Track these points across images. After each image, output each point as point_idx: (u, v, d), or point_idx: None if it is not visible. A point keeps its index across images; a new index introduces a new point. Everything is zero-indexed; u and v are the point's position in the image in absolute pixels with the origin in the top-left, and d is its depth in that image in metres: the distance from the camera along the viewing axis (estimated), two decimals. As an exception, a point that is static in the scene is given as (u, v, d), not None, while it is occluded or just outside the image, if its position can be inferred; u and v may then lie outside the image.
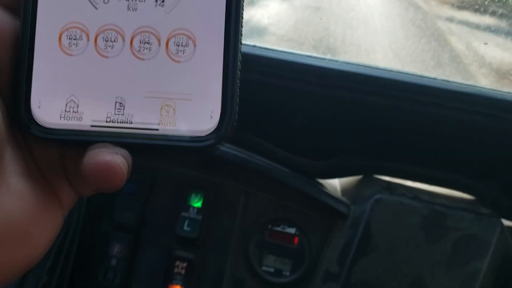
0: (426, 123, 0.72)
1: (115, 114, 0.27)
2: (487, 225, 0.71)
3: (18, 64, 0.26)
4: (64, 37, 0.27)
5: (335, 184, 0.82)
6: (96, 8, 0.27)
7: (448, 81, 0.70)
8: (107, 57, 0.27)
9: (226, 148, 0.73)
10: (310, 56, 0.71)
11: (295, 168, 0.77)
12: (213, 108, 0.27)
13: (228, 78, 0.27)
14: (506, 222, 0.73)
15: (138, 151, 0.28)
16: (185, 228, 0.72)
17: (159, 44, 0.27)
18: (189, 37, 0.27)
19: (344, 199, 0.75)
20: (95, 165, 0.24)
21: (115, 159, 0.25)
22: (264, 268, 0.73)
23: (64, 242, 0.69)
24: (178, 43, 0.27)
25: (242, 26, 0.28)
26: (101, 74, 0.27)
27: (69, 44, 0.27)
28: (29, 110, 0.26)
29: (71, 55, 0.27)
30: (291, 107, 0.75)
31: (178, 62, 0.27)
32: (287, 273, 0.73)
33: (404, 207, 0.71)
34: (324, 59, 0.71)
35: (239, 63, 0.27)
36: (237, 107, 0.27)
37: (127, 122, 0.27)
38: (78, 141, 0.26)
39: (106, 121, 0.27)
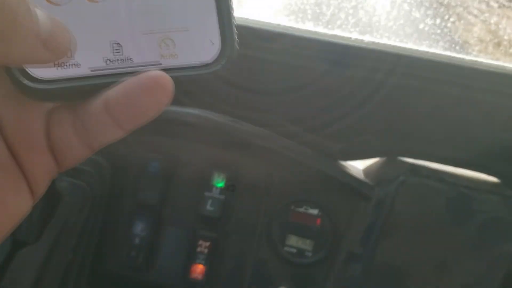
0: (452, 104, 0.71)
1: (113, 55, 0.26)
2: (513, 208, 0.70)
3: None
4: None
5: (358, 166, 0.81)
6: None
7: (475, 61, 0.69)
8: (97, 1, 0.26)
9: (250, 128, 0.72)
10: (336, 35, 0.70)
11: (318, 149, 0.76)
12: (212, 36, 0.27)
13: (222, 5, 0.27)
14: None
15: None
16: (208, 207, 0.72)
17: None
18: None
19: (367, 180, 0.74)
20: (141, 80, 0.24)
21: (162, 72, 0.24)
22: (286, 248, 0.73)
23: (89, 221, 0.69)
24: None
25: None
26: (92, 20, 0.26)
27: None
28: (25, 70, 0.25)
29: (58, 4, 0.26)
30: (312, 87, 0.74)
31: None
32: (310, 254, 0.72)
33: (429, 189, 0.70)
34: (349, 38, 0.70)
35: None
36: (236, 33, 0.27)
37: (128, 61, 0.26)
38: (83, 86, 0.25)
39: (106, 64, 0.26)
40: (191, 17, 0.27)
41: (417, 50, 0.69)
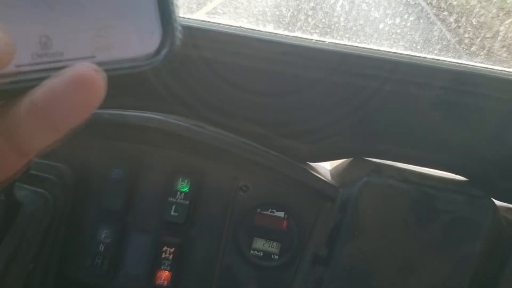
0: (416, 104, 0.71)
1: (42, 50, 0.24)
2: (479, 207, 0.69)
3: None
4: None
5: (325, 167, 0.80)
6: None
7: (437, 59, 0.68)
8: None
9: (214, 133, 0.72)
10: (297, 37, 0.70)
11: (285, 151, 0.75)
12: (152, 24, 0.25)
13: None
14: (499, 203, 0.71)
15: None
16: (172, 213, 0.72)
17: None
18: None
19: (332, 182, 0.74)
20: (69, 77, 0.21)
21: (92, 68, 0.22)
22: (253, 252, 0.72)
23: (50, 229, 0.68)
24: None
25: None
26: (20, 11, 0.24)
27: None
28: None
29: None
30: (280, 90, 0.73)
31: None
32: (276, 257, 0.72)
33: (393, 189, 0.69)
34: (311, 39, 0.69)
35: None
36: (178, 19, 0.25)
37: (57, 56, 0.24)
38: (6, 85, 0.23)
39: (33, 59, 0.24)
40: (128, 4, 0.25)
41: (378, 51, 0.68)
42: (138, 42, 0.25)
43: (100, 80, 0.22)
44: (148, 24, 0.25)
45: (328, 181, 0.73)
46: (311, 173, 0.73)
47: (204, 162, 0.74)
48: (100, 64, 0.23)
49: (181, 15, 0.27)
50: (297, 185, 0.72)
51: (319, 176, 0.73)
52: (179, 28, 0.25)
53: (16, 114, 0.22)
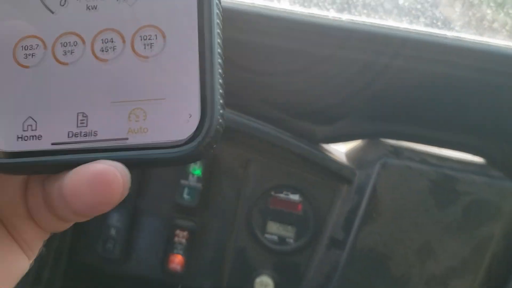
0: (435, 83, 0.69)
1: (77, 128, 0.23)
2: (498, 189, 0.68)
3: None
4: (19, 48, 0.24)
5: (340, 149, 0.79)
6: (53, 13, 0.24)
7: (459, 38, 0.66)
8: (67, 64, 0.24)
9: (227, 113, 0.70)
10: (313, 14, 0.67)
11: (298, 133, 0.74)
12: (191, 109, 0.23)
13: (206, 73, 0.23)
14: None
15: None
16: (185, 196, 0.70)
17: (124, 41, 0.24)
18: (157, 29, 0.24)
19: (349, 164, 0.72)
20: (85, 176, 0.21)
21: (109, 166, 0.21)
22: (267, 236, 0.71)
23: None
24: (144, 37, 0.24)
25: (220, 9, 0.24)
26: (60, 85, 0.24)
27: (24, 55, 0.24)
28: None
29: (27, 67, 0.24)
30: (293, 70, 0.72)
31: (146, 58, 0.23)
32: (291, 241, 0.71)
33: (411, 171, 0.68)
34: (327, 16, 0.67)
35: (219, 54, 0.23)
36: (222, 105, 0.23)
37: (92, 135, 0.23)
38: (38, 163, 0.23)
39: (68, 137, 0.23)
40: (168, 85, 0.23)
41: (398, 28, 0.66)
42: (173, 126, 0.23)
43: (117, 180, 0.21)
44: (187, 106, 0.23)
45: (344, 162, 0.72)
46: (327, 154, 0.71)
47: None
48: (132, 146, 0.23)
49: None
50: (312, 167, 0.70)
51: (335, 157, 0.71)
52: (221, 109, 0.23)
53: (50, 192, 0.23)
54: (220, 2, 0.24)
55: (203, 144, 0.22)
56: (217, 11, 0.24)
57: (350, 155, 0.75)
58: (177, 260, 0.70)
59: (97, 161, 0.22)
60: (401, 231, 0.68)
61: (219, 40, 0.24)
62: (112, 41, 0.24)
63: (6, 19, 0.25)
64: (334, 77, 0.71)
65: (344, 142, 0.79)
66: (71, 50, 0.24)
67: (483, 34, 0.63)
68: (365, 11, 0.64)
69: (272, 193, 0.71)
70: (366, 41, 0.67)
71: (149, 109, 0.23)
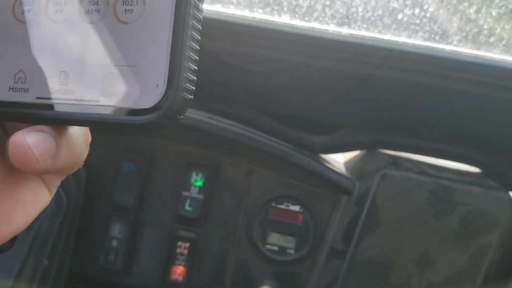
0: (432, 95, 0.70)
1: (59, 85, 0.25)
2: (495, 199, 0.69)
3: None
4: (18, 4, 0.26)
5: (339, 159, 0.80)
6: None
7: (456, 51, 0.68)
8: (57, 22, 0.25)
9: (227, 125, 0.70)
10: (313, 28, 0.68)
11: (297, 143, 0.75)
12: (158, 78, 0.23)
13: (177, 45, 0.23)
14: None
15: (82, 125, 0.26)
16: (187, 208, 0.71)
17: (107, 4, 0.25)
18: None
19: (348, 174, 0.73)
20: (9, 145, 0.24)
21: (26, 139, 0.24)
22: (268, 246, 0.72)
23: (64, 225, 0.67)
24: (126, 2, 0.24)
25: None
26: (49, 42, 0.25)
27: (22, 11, 0.26)
28: None
29: (23, 22, 0.26)
30: (293, 81, 0.73)
31: (125, 23, 0.24)
32: (292, 251, 0.71)
33: (410, 182, 0.69)
34: (327, 31, 0.68)
35: (193, 27, 0.24)
36: (192, 78, 0.24)
37: (70, 94, 0.25)
38: (22, 114, 0.25)
39: (51, 93, 0.25)
40: (140, 52, 0.24)
41: (397, 42, 0.67)
42: (142, 92, 0.24)
43: (29, 152, 0.24)
44: (156, 74, 0.23)
45: (344, 173, 0.73)
46: (326, 165, 0.72)
47: (217, 155, 0.73)
48: (102, 108, 0.24)
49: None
50: (313, 178, 0.71)
51: (334, 168, 0.72)
52: (188, 86, 0.24)
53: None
54: None
55: (166, 114, 0.23)
56: None
57: (349, 165, 0.76)
58: (178, 271, 0.70)
59: (22, 131, 0.24)
60: (401, 241, 0.69)
61: (195, 14, 0.24)
62: (97, 3, 0.25)
63: None
64: (333, 89, 0.72)
65: (342, 153, 0.81)
66: (61, 9, 0.25)
67: (480, 49, 0.64)
68: (364, 25, 0.66)
69: (273, 204, 0.72)
70: (365, 55, 0.68)
71: (121, 75, 0.24)
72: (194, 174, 0.72)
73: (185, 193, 0.71)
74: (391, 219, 0.69)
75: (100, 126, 0.25)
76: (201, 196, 0.71)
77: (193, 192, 0.71)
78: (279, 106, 0.76)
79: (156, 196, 0.73)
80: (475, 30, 0.62)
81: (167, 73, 0.23)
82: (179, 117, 0.24)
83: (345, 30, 0.67)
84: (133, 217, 0.72)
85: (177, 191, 0.72)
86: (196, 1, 0.24)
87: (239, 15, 0.69)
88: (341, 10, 0.62)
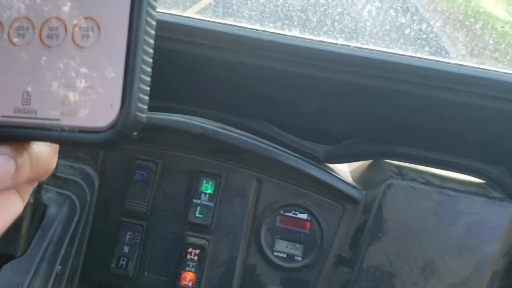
0: (437, 107, 0.72)
1: (22, 105, 0.27)
2: (499, 209, 0.71)
3: None
4: None
5: (344, 169, 0.81)
6: None
7: (461, 65, 0.69)
8: (19, 45, 0.27)
9: (237, 134, 0.72)
10: (322, 41, 0.70)
11: (304, 152, 0.76)
12: (113, 99, 0.25)
13: (129, 67, 0.25)
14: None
15: (43, 141, 0.28)
16: (197, 215, 0.72)
17: (66, 30, 0.27)
18: (94, 21, 0.26)
19: (355, 184, 0.75)
20: None
21: None
22: (276, 253, 0.73)
23: (77, 231, 0.69)
24: (83, 28, 0.26)
25: (153, 9, 0.27)
26: (11, 64, 0.27)
27: None
28: None
29: None
30: (301, 93, 0.74)
31: (82, 48, 0.26)
32: (299, 258, 0.73)
33: (416, 192, 0.71)
34: (336, 44, 0.70)
35: (144, 51, 0.26)
36: (144, 98, 0.26)
37: (32, 113, 0.27)
38: None
39: (14, 112, 0.27)
40: (97, 75, 0.26)
41: (403, 55, 0.69)
42: (98, 112, 0.26)
43: None
44: (111, 95, 0.25)
45: (351, 183, 0.74)
46: (334, 174, 0.74)
47: (227, 163, 0.74)
48: (61, 127, 0.26)
49: (208, 18, 0.28)
50: (321, 187, 0.73)
51: (342, 178, 0.74)
52: (142, 102, 0.25)
53: None
54: (154, 2, 0.27)
55: (120, 133, 0.25)
56: (150, 10, 0.26)
57: (355, 175, 0.78)
58: (188, 278, 0.72)
59: None
60: (406, 249, 0.70)
61: (147, 38, 0.26)
62: (57, 29, 0.27)
63: None
64: (340, 100, 0.74)
65: (347, 162, 0.82)
66: (23, 34, 0.27)
67: (485, 63, 0.66)
68: (372, 40, 0.68)
69: (281, 211, 0.73)
70: (372, 68, 0.69)
71: (79, 95, 0.26)
72: (204, 182, 0.73)
73: (195, 201, 0.73)
74: (397, 228, 0.70)
75: (60, 143, 0.27)
76: (211, 204, 0.73)
77: (204, 200, 0.73)
78: (286, 116, 0.78)
79: (167, 203, 0.74)
80: (481, 45, 0.64)
81: (120, 94, 0.25)
82: (133, 134, 0.26)
83: (353, 44, 0.69)
84: (145, 224, 0.73)
85: (187, 199, 0.73)
86: (148, 28, 0.26)
87: (249, 28, 0.71)
88: (349, 25, 0.63)
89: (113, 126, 0.25)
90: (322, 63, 0.70)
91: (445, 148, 0.76)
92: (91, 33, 0.26)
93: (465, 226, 0.70)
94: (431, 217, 0.70)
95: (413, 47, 0.65)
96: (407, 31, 0.65)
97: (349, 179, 0.77)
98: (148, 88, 0.26)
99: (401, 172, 0.73)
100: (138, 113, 0.25)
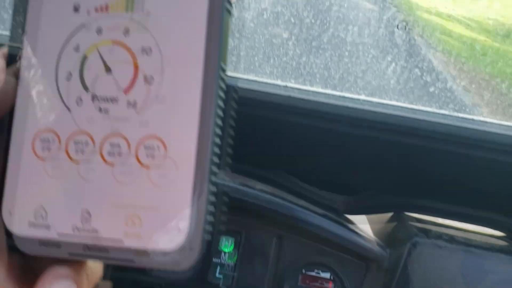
0: (459, 162, 0.71)
1: (81, 223, 0.25)
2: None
3: None
4: (37, 140, 0.26)
5: (364, 219, 0.80)
6: (69, 110, 0.26)
7: (485, 121, 0.69)
8: (78, 161, 0.26)
9: (259, 192, 0.71)
10: (344, 97, 0.69)
11: (323, 204, 0.75)
12: (181, 221, 0.24)
13: (197, 190, 0.24)
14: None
15: (105, 263, 0.27)
16: (217, 275, 0.70)
17: (129, 148, 0.25)
18: (160, 140, 0.25)
19: (377, 240, 0.73)
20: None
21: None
22: (298, 313, 0.71)
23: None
24: (148, 146, 0.25)
25: (220, 125, 0.26)
26: (70, 180, 0.26)
27: (41, 148, 0.26)
28: (0, 217, 0.26)
29: (43, 159, 0.26)
30: (322, 146, 0.73)
31: (147, 167, 0.25)
32: (322, 318, 0.71)
33: (441, 250, 0.69)
34: (358, 99, 0.69)
35: (213, 171, 0.25)
36: (211, 219, 0.24)
37: (93, 232, 0.25)
38: (43, 251, 0.26)
39: (73, 231, 0.25)
40: (163, 195, 0.24)
41: (426, 111, 0.68)
42: (164, 235, 0.24)
43: None
44: (178, 218, 0.24)
45: (374, 240, 0.73)
46: (357, 231, 0.72)
47: (247, 220, 0.73)
48: (124, 250, 0.24)
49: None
50: (343, 245, 0.71)
51: (365, 235, 0.73)
52: (211, 225, 0.24)
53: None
54: (221, 124, 0.26)
55: (186, 256, 0.24)
56: (217, 130, 0.25)
57: (377, 230, 0.77)
58: None
59: (48, 282, 0.24)
60: (432, 309, 0.69)
61: (215, 159, 0.25)
62: (119, 146, 0.25)
63: (29, 110, 0.26)
64: (361, 154, 0.73)
65: (367, 214, 0.81)
66: (82, 149, 0.26)
67: (509, 120, 0.66)
68: (395, 96, 0.66)
69: (303, 270, 0.72)
70: (396, 124, 0.68)
71: (143, 216, 0.24)
72: (224, 239, 0.72)
73: (215, 260, 0.71)
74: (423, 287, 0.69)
75: (121, 264, 0.25)
76: (231, 263, 0.71)
77: (223, 259, 0.71)
78: (306, 167, 0.77)
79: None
80: (506, 103, 0.63)
81: (188, 217, 0.24)
82: (201, 257, 0.24)
83: (376, 99, 0.68)
84: (164, 285, 0.71)
85: (207, 257, 0.71)
86: (216, 149, 0.25)
87: (271, 83, 0.70)
88: (373, 82, 0.62)
89: (179, 249, 0.24)
90: (345, 119, 0.69)
91: (467, 201, 0.75)
92: (156, 152, 0.25)
93: (491, 285, 0.69)
94: (457, 277, 0.69)
95: (437, 104, 0.64)
96: (431, 89, 0.64)
97: (370, 233, 0.76)
98: (214, 209, 0.25)
99: (425, 229, 0.72)
100: (206, 235, 0.24)
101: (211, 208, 0.25)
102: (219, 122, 0.26)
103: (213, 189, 0.25)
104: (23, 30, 0.27)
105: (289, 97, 0.69)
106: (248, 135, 0.72)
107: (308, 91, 0.69)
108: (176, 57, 0.26)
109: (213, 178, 0.25)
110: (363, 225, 0.78)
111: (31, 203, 0.26)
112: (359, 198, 0.77)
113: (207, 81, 0.25)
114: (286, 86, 0.70)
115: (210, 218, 0.24)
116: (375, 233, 0.76)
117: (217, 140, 0.25)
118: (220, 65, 0.25)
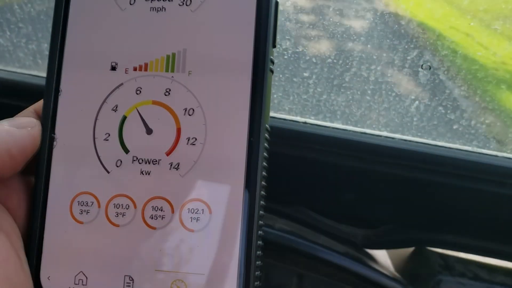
0: (483, 198, 0.70)
1: None
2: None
3: (30, 232, 0.25)
4: (75, 203, 0.25)
5: (384, 253, 0.79)
6: (108, 172, 0.25)
7: (509, 157, 0.68)
8: (118, 225, 0.25)
9: (279, 231, 0.70)
10: (365, 133, 0.69)
11: (342, 237, 0.74)
12: (227, 286, 0.24)
13: (245, 253, 0.24)
14: None
15: None
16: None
17: (173, 211, 0.25)
18: (204, 203, 0.25)
19: (400, 278, 0.72)
20: None
21: None
22: None
23: None
24: (192, 210, 0.25)
25: (263, 195, 0.25)
26: (111, 245, 0.25)
27: (80, 211, 0.25)
28: (38, 282, 0.25)
29: (81, 222, 0.25)
30: (342, 182, 0.73)
31: (192, 231, 0.24)
32: None
33: (465, 288, 0.68)
34: (380, 136, 0.69)
35: (259, 234, 0.24)
36: (258, 284, 0.24)
37: None
38: None
39: None
40: (209, 261, 0.24)
41: (450, 148, 0.68)
42: None
43: None
44: (225, 283, 0.24)
45: (396, 277, 0.72)
46: (377, 269, 0.71)
47: (267, 259, 0.72)
48: None
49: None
50: (365, 284, 0.70)
51: (386, 272, 0.72)
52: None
53: None
54: (265, 184, 0.25)
55: None
56: (263, 192, 0.25)
57: (398, 265, 0.76)
58: None
59: None
60: None
61: (261, 222, 0.25)
62: (162, 210, 0.25)
63: (66, 172, 0.26)
64: (382, 190, 0.72)
65: (386, 249, 0.80)
66: (123, 212, 0.25)
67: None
68: (419, 133, 0.66)
69: (324, 308, 0.71)
70: (419, 160, 0.68)
71: (189, 282, 0.24)
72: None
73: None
74: (447, 327, 0.67)
75: None
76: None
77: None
78: (325, 202, 0.76)
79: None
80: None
81: (236, 282, 0.24)
82: None
83: (398, 136, 0.68)
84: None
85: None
86: (261, 211, 0.25)
87: (290, 120, 0.70)
88: (396, 120, 0.62)
89: None
90: (366, 155, 0.69)
91: (490, 236, 0.74)
92: (201, 215, 0.25)
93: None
94: (483, 316, 0.67)
95: (460, 140, 0.64)
96: (455, 126, 0.64)
97: (391, 268, 0.75)
98: (260, 274, 0.24)
99: (447, 265, 0.71)
100: None
101: (258, 273, 0.24)
102: (264, 183, 0.25)
103: (260, 253, 0.24)
104: (58, 90, 0.26)
105: (308, 133, 0.69)
106: (271, 173, 0.72)
107: (328, 127, 0.70)
108: (220, 118, 0.25)
109: (260, 242, 0.25)
110: (384, 259, 0.77)
111: (71, 269, 0.25)
112: (378, 232, 0.76)
113: (252, 142, 0.25)
114: (305, 123, 0.70)
115: (258, 283, 0.24)
116: (396, 269, 0.75)
117: (262, 202, 0.25)
118: (264, 126, 0.25)
